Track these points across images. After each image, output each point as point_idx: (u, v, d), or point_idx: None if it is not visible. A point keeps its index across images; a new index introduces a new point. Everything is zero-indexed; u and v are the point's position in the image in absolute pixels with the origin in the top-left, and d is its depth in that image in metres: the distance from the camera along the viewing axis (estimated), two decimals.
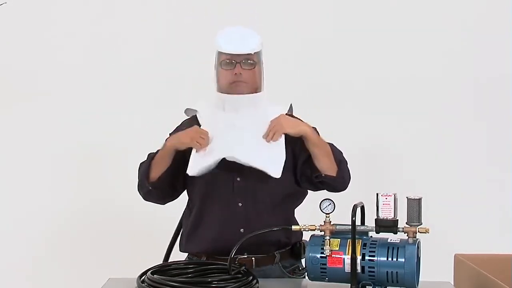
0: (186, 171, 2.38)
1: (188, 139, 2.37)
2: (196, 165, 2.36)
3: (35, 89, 3.97)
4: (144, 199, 2.52)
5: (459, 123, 3.99)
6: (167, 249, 2.59)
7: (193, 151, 2.39)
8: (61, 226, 3.93)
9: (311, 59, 3.90)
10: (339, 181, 2.40)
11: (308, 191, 2.55)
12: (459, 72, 3.98)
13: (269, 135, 2.36)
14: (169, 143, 2.41)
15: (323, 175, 2.37)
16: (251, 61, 2.41)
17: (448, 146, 3.98)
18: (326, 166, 2.37)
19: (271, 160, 2.35)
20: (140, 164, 2.51)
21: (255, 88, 2.43)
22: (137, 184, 2.49)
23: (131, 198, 3.82)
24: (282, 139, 2.38)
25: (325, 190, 2.44)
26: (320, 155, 2.37)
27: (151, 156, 2.46)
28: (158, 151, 2.44)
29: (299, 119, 2.46)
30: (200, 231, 2.44)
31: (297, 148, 2.43)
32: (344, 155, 2.45)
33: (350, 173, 2.45)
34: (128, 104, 3.92)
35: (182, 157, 2.41)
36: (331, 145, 2.43)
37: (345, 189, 2.44)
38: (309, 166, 2.40)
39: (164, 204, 2.56)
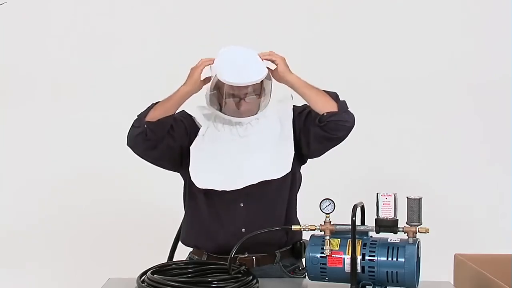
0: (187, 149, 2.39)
1: (199, 76, 2.34)
2: (206, 178, 2.36)
3: (36, 89, 3.97)
4: (131, 145, 2.37)
5: (459, 123, 4.00)
6: (171, 248, 2.58)
7: (194, 156, 2.39)
8: (61, 226, 3.93)
9: (312, 58, 3.90)
10: (343, 115, 2.34)
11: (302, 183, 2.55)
12: (459, 73, 3.98)
13: (265, 56, 2.36)
14: (185, 88, 2.35)
15: (325, 114, 2.32)
16: (255, 93, 2.37)
17: (448, 146, 3.99)
18: (323, 103, 2.33)
19: (276, 163, 2.36)
20: None
21: (258, 109, 2.43)
22: (129, 128, 2.37)
23: (132, 198, 3.86)
24: (290, 136, 2.39)
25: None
26: (313, 95, 2.35)
27: (154, 103, 2.39)
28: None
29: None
30: (201, 230, 2.44)
31: (297, 123, 2.43)
32: (340, 97, 2.39)
33: (353, 114, 2.38)
34: (127, 104, 3.91)
35: (187, 137, 2.42)
36: (324, 91, 2.39)
37: (354, 123, 2.36)
38: (312, 123, 2.35)
39: (152, 158, 2.42)
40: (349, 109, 2.37)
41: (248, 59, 2.34)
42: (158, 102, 2.39)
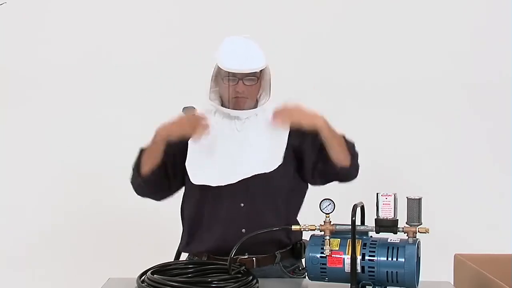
0: (183, 161, 2.39)
1: (188, 129, 2.30)
2: (202, 174, 2.37)
3: (36, 89, 3.97)
4: (137, 194, 2.47)
5: (459, 123, 4.00)
6: (177, 251, 2.57)
7: (191, 152, 2.39)
8: (61, 226, 3.93)
9: (314, 57, 3.91)
10: (352, 171, 2.41)
11: (309, 186, 2.55)
12: (460, 73, 3.98)
13: (276, 121, 2.31)
14: (160, 136, 2.34)
15: (338, 167, 2.36)
16: (254, 77, 2.39)
17: (448, 146, 3.99)
18: (340, 157, 2.35)
19: (268, 157, 2.37)
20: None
21: (256, 101, 2.45)
22: (130, 178, 2.45)
23: (131, 199, 3.84)
24: (285, 130, 2.38)
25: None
26: (335, 145, 2.35)
27: (142, 149, 2.41)
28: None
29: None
30: (202, 231, 2.44)
31: (306, 143, 2.42)
32: (356, 147, 2.43)
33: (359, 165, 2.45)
34: (127, 105, 3.92)
35: (176, 146, 2.38)
36: (343, 137, 2.41)
37: (355, 177, 2.44)
38: (322, 161, 2.38)
39: (159, 199, 2.51)
40: (358, 162, 2.42)
41: (248, 48, 2.37)
42: (143, 149, 2.41)
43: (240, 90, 2.37)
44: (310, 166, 2.42)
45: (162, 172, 2.41)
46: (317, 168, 2.42)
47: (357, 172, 2.44)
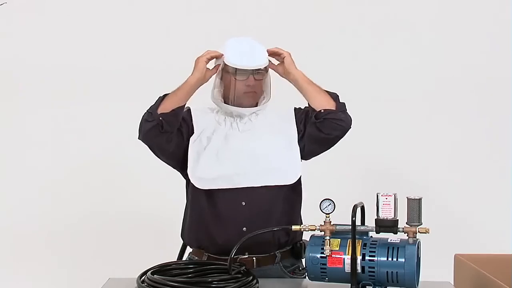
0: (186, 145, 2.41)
1: (204, 65, 2.35)
2: (206, 177, 2.38)
3: (37, 89, 3.97)
4: (144, 138, 2.36)
5: (459, 123, 4.00)
6: (180, 250, 2.58)
7: (191, 157, 2.40)
8: (61, 226, 3.93)
9: (314, 57, 3.89)
10: (340, 114, 2.37)
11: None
12: (460, 73, 3.98)
13: (275, 50, 2.39)
14: (192, 78, 2.35)
15: (322, 111, 2.35)
16: (264, 71, 2.42)
17: (448, 147, 3.99)
18: (322, 100, 2.37)
19: (284, 168, 2.39)
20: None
21: (263, 97, 2.47)
22: (141, 120, 2.36)
23: (132, 199, 3.86)
24: (295, 145, 2.41)
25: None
26: (315, 92, 2.38)
27: (165, 94, 2.38)
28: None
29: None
30: (202, 229, 2.44)
31: (299, 126, 2.46)
32: (340, 98, 2.42)
33: (350, 116, 2.41)
34: (128, 106, 3.91)
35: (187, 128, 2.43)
36: (326, 91, 2.42)
37: (350, 125, 2.39)
38: (310, 121, 2.40)
39: (163, 152, 2.40)
40: (347, 111, 2.40)
41: (253, 45, 2.42)
42: (167, 94, 2.38)
43: (251, 83, 2.40)
44: (301, 133, 2.43)
45: (181, 117, 2.37)
46: (306, 132, 2.42)
47: (348, 119, 2.39)
